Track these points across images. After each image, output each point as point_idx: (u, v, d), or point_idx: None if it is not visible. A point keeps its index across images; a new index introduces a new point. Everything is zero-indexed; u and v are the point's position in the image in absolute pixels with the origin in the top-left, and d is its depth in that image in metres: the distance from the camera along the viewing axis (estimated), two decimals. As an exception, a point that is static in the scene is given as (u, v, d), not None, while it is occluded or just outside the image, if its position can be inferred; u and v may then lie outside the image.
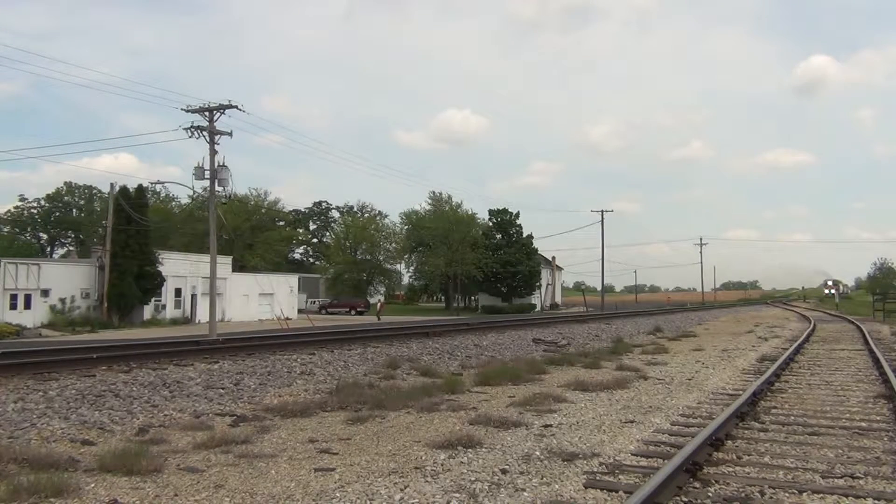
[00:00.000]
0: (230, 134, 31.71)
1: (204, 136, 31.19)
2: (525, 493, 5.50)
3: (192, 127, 30.96)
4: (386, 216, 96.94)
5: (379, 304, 62.19)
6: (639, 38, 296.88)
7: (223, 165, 31.73)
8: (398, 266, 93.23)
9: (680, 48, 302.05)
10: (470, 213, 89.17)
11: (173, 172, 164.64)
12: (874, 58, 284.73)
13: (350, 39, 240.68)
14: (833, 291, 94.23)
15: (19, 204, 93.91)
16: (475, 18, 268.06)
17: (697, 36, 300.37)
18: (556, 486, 5.71)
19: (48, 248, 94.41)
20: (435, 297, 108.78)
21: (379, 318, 51.64)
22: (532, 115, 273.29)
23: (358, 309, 69.64)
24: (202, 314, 48.53)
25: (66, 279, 44.64)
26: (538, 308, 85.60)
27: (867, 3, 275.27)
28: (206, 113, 31.28)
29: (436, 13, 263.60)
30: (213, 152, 31.29)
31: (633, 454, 6.89)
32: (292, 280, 63.66)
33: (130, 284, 43.99)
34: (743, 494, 5.47)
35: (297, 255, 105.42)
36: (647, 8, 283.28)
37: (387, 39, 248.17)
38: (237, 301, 54.32)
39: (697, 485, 5.74)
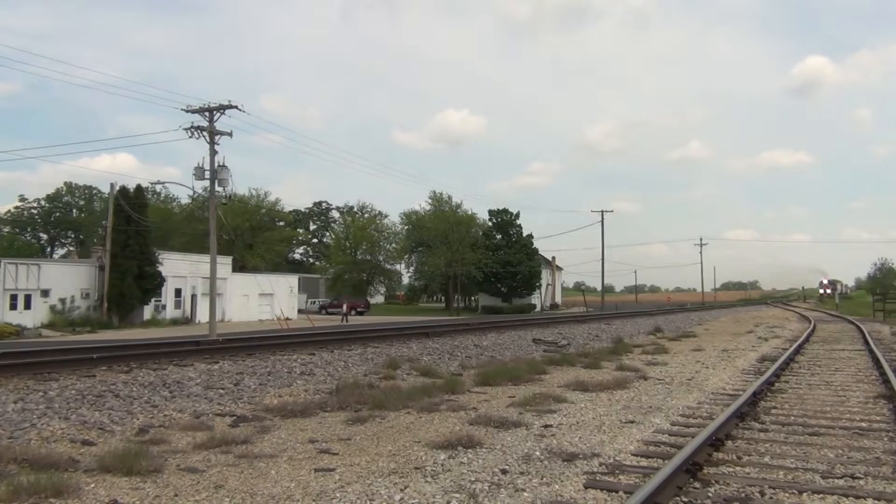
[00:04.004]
0: (230, 134, 31.77)
1: (204, 137, 31.22)
2: (525, 494, 5.50)
3: (192, 127, 31.00)
4: (386, 216, 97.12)
5: (345, 307, 56.24)
6: (637, 38, 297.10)
7: (223, 165, 31.77)
8: (398, 266, 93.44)
9: (678, 48, 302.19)
10: (470, 213, 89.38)
11: (172, 173, 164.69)
12: (871, 59, 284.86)
13: (348, 39, 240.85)
14: (828, 291, 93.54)
15: (19, 204, 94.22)
16: (472, 18, 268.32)
17: (695, 36, 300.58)
18: (556, 487, 5.71)
19: (48, 248, 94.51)
20: (435, 298, 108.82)
21: (346, 321, 47.64)
22: (531, 114, 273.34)
23: (358, 309, 69.66)
24: (202, 314, 48.58)
25: (66, 279, 44.68)
26: (538, 308, 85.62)
27: (862, 4, 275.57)
28: (206, 113, 31.32)
29: (432, 13, 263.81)
30: (213, 152, 31.33)
31: (633, 454, 6.89)
32: (292, 280, 63.67)
33: (130, 284, 44.03)
34: (743, 495, 5.47)
35: (297, 256, 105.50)
36: (643, 8, 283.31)
37: (385, 39, 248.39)
38: (237, 301, 54.36)
39: (697, 485, 5.74)
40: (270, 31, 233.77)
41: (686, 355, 18.13)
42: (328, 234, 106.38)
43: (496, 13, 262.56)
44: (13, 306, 41.39)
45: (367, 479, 5.92)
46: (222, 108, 31.32)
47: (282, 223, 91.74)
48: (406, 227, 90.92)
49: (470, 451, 6.92)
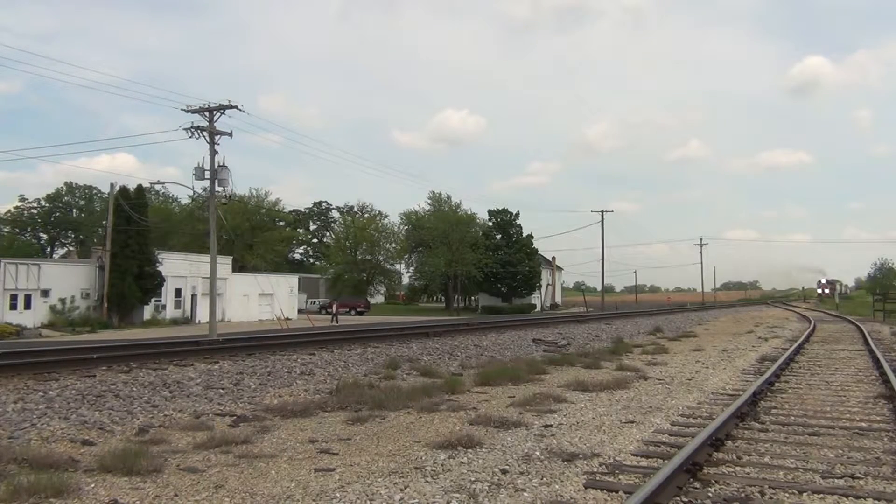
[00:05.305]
0: (230, 134, 31.78)
1: (204, 137, 31.23)
2: (525, 494, 5.49)
3: (192, 127, 31.02)
4: (386, 216, 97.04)
5: (335, 306, 54.36)
6: (635, 38, 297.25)
7: (223, 165, 31.78)
8: (398, 266, 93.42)
9: (677, 48, 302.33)
10: (469, 213, 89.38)
11: (172, 173, 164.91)
12: (869, 59, 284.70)
13: (347, 39, 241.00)
14: (826, 291, 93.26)
15: (19, 204, 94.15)
16: (472, 18, 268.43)
17: (695, 36, 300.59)
18: (557, 487, 5.71)
19: (48, 248, 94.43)
20: (435, 298, 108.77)
21: (336, 321, 46.71)
22: (530, 114, 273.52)
23: (358, 309, 69.70)
24: (202, 314, 48.58)
25: (66, 279, 44.68)
26: (538, 308, 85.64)
27: (861, 4, 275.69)
28: (206, 113, 31.33)
29: (432, 13, 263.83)
30: (213, 152, 31.34)
31: (633, 454, 6.89)
32: (292, 280, 63.68)
33: (130, 284, 44.04)
34: (743, 495, 5.47)
35: (297, 256, 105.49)
36: (640, 8, 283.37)
37: (384, 39, 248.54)
38: (237, 301, 54.36)
39: (697, 485, 5.74)
40: (270, 31, 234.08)
41: (686, 355, 18.13)
42: (328, 234, 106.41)
43: (495, 13, 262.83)
44: (13, 306, 41.38)
45: (367, 479, 5.92)
46: (222, 108, 31.33)
47: (282, 223, 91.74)
48: (406, 227, 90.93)
49: (470, 451, 6.92)
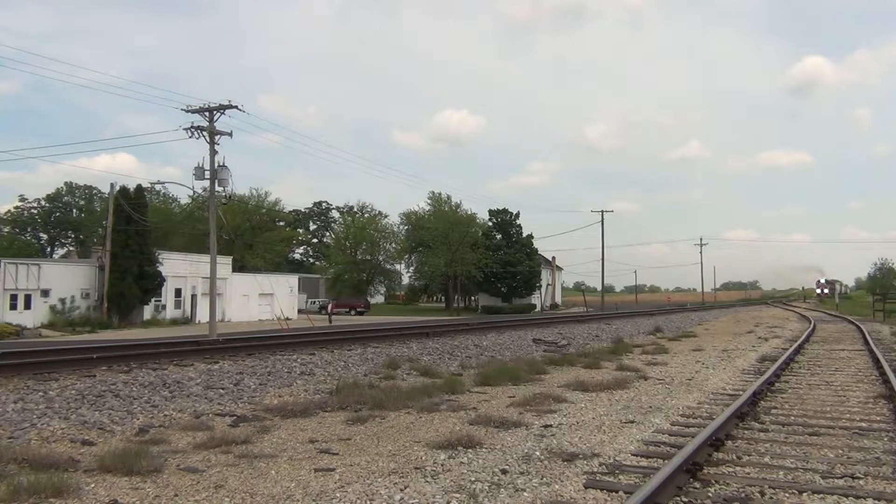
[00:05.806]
0: (230, 134, 31.77)
1: (204, 137, 31.22)
2: (525, 494, 5.50)
3: (192, 127, 31.00)
4: (386, 216, 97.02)
5: (330, 306, 56.51)
6: (635, 38, 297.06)
7: (223, 165, 31.77)
8: (398, 266, 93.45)
9: (677, 48, 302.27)
10: (469, 213, 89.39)
11: (172, 173, 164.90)
12: (869, 58, 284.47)
13: (347, 39, 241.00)
14: (825, 291, 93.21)
15: (19, 204, 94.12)
16: (472, 18, 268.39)
17: (694, 36, 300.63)
18: (557, 487, 5.71)
19: (48, 248, 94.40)
20: (435, 298, 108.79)
21: (330, 322, 46.39)
22: (530, 114, 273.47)
23: (358, 309, 69.72)
24: (202, 314, 48.57)
25: (66, 279, 44.68)
26: (538, 308, 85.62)
27: (860, 4, 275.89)
28: (206, 113, 31.32)
29: (432, 13, 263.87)
30: (213, 152, 31.33)
31: (633, 454, 6.89)
32: (292, 280, 63.68)
33: (130, 284, 44.03)
34: (743, 495, 5.47)
35: (297, 256, 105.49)
36: (640, 8, 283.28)
37: (384, 39, 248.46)
38: (237, 301, 54.36)
39: (697, 485, 5.74)
40: (270, 31, 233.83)
41: (686, 355, 18.13)
42: (328, 234, 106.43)
43: (495, 13, 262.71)
44: (13, 306, 41.38)
45: (367, 479, 5.92)
46: (222, 108, 31.32)
47: (282, 223, 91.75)
48: (406, 228, 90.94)
49: (470, 450, 6.92)
